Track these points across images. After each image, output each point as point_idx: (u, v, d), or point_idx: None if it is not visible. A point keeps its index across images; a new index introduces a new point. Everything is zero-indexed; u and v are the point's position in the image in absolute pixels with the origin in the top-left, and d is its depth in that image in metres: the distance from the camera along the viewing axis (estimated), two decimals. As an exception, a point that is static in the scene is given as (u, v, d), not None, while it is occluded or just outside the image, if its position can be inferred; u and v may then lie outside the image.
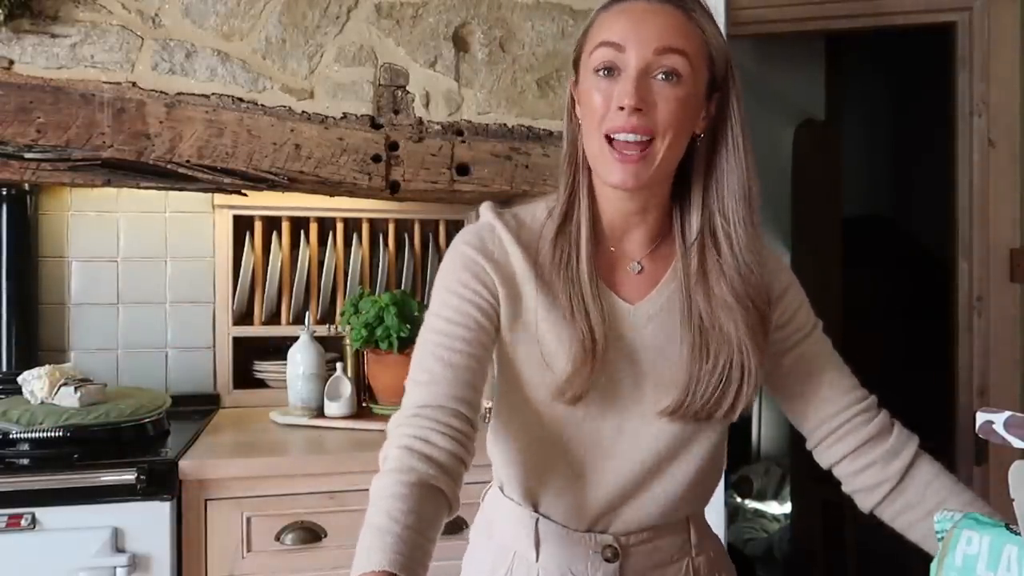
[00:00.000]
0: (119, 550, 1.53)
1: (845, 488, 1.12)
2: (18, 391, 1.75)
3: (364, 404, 1.98)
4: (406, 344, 1.86)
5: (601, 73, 0.99)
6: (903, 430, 1.13)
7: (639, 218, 1.07)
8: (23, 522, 1.50)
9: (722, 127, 1.04)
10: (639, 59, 0.97)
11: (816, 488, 3.53)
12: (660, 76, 0.97)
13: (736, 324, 1.01)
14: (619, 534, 1.07)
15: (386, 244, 2.22)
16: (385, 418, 1.87)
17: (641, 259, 1.08)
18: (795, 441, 3.87)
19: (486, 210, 1.11)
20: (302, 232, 2.17)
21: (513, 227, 1.08)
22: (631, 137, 0.97)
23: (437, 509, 0.94)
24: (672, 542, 1.10)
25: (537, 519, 1.08)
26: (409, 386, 1.02)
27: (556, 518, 1.08)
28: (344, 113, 1.96)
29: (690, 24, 0.99)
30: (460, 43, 2.05)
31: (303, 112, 1.94)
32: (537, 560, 1.08)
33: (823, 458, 1.13)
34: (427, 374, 1.01)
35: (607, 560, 1.07)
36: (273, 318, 2.17)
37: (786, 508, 3.95)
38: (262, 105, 1.92)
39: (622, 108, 0.96)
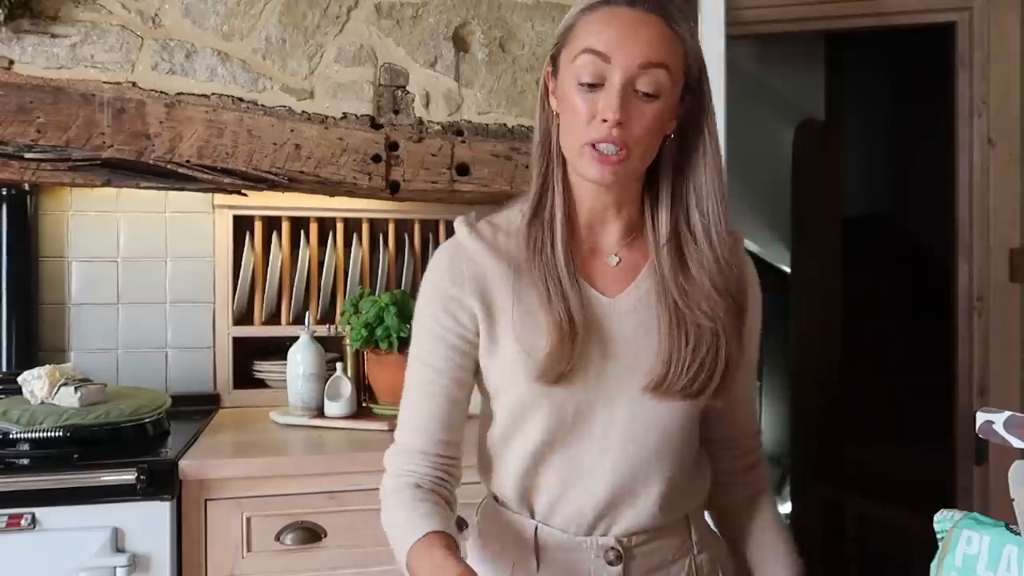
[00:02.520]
0: (119, 550, 1.53)
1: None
2: (18, 391, 1.75)
3: (364, 404, 1.98)
4: (406, 344, 1.85)
5: (585, 85, 1.00)
6: (763, 477, 1.21)
7: (614, 212, 1.09)
8: (23, 522, 1.50)
9: (694, 127, 1.06)
10: (624, 72, 0.98)
11: (816, 487, 3.54)
12: (641, 93, 0.99)
13: (715, 313, 1.04)
14: (621, 536, 1.07)
15: (386, 244, 2.22)
16: (385, 418, 1.88)
17: (618, 251, 1.10)
18: (795, 441, 3.87)
19: (459, 225, 1.12)
20: (302, 232, 2.17)
21: (487, 235, 1.10)
22: (611, 148, 0.99)
23: (442, 505, 1.07)
24: (673, 542, 1.10)
25: (536, 526, 1.08)
26: (400, 423, 1.13)
27: (555, 524, 1.07)
28: (344, 113, 1.96)
29: (674, 36, 1.01)
30: (460, 43, 2.05)
31: (303, 112, 1.94)
32: (538, 569, 1.07)
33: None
34: (414, 416, 1.10)
35: (610, 563, 1.06)
36: (273, 318, 2.16)
37: (786, 508, 3.95)
38: (262, 105, 1.92)
39: (605, 120, 0.98)
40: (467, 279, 1.07)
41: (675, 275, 1.06)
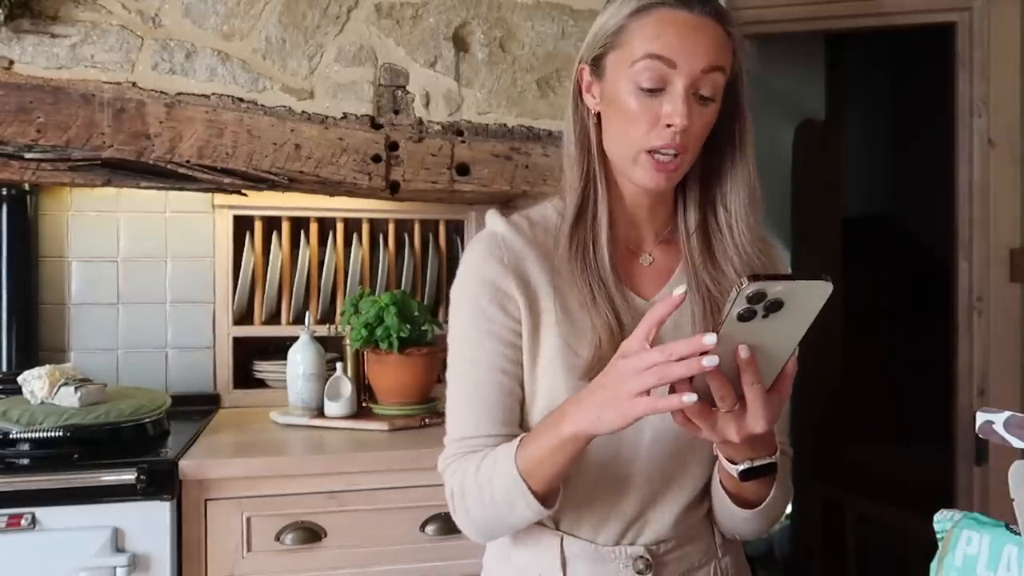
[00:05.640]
0: (119, 550, 1.53)
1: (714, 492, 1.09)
2: (18, 391, 1.75)
3: (364, 404, 1.98)
4: (406, 344, 1.86)
5: (645, 90, 0.99)
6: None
7: (652, 210, 1.09)
8: (23, 522, 1.50)
9: (727, 123, 1.05)
10: (688, 78, 0.98)
11: (816, 488, 3.53)
12: (700, 97, 0.99)
13: None
14: (649, 544, 1.06)
15: (386, 244, 2.22)
16: (385, 418, 1.88)
17: (651, 251, 1.10)
18: (795, 441, 3.86)
19: (492, 217, 1.10)
20: (302, 232, 2.17)
21: (525, 228, 1.08)
22: (672, 152, 0.99)
23: None
24: (699, 546, 1.09)
25: (562, 537, 1.06)
26: (454, 426, 1.07)
27: (582, 534, 1.06)
28: (344, 113, 1.96)
29: (727, 38, 1.01)
30: (460, 43, 2.05)
31: (303, 112, 1.94)
32: None
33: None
34: (471, 414, 1.05)
35: (639, 573, 1.05)
36: (273, 318, 2.16)
37: (786, 508, 3.95)
38: (262, 105, 1.92)
39: (669, 126, 0.98)
40: (510, 271, 1.05)
41: (704, 264, 1.06)
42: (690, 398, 0.83)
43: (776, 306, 0.80)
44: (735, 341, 0.82)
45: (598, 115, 1.06)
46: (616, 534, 1.06)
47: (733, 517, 1.06)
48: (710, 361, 0.81)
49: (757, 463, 0.94)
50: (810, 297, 0.80)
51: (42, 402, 1.71)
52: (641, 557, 1.05)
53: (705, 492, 1.09)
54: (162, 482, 1.55)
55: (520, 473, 0.97)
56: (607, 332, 1.00)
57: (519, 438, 1.00)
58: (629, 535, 1.06)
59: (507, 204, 2.06)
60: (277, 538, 1.64)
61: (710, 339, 0.80)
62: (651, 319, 0.87)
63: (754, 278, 0.78)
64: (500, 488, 0.99)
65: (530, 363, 1.05)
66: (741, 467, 0.94)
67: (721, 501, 1.06)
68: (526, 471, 0.97)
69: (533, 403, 1.06)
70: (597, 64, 1.05)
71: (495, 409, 1.05)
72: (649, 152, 1.00)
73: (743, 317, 0.80)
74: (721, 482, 1.04)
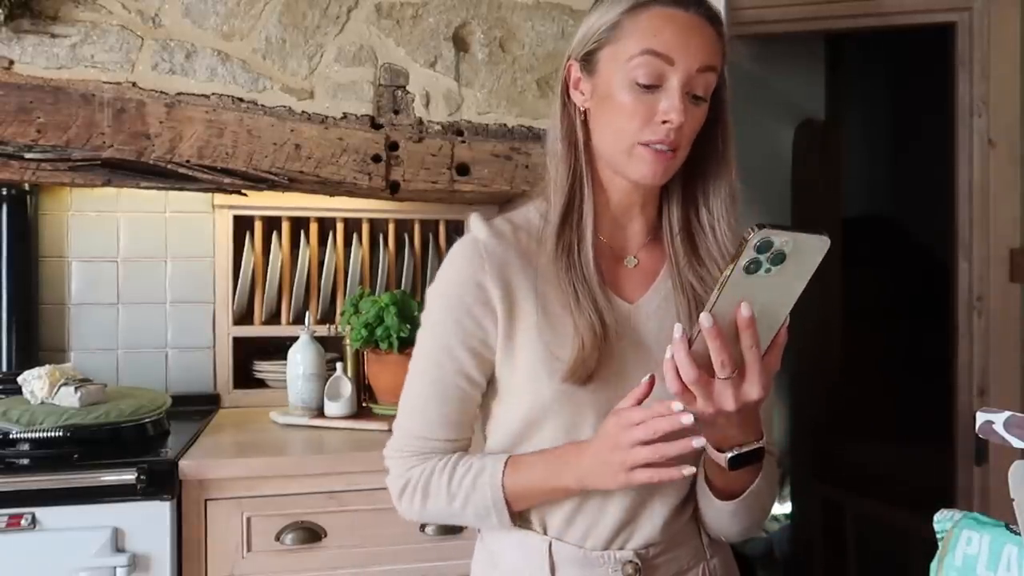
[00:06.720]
0: (119, 550, 1.53)
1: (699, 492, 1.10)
2: (18, 391, 1.75)
3: (364, 404, 1.98)
4: (406, 344, 1.86)
5: (641, 86, 0.99)
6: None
7: (639, 210, 1.10)
8: (23, 522, 1.50)
9: (711, 125, 1.06)
10: (684, 75, 0.98)
11: (816, 488, 3.53)
12: (693, 96, 1.00)
13: None
14: (639, 548, 1.05)
15: (386, 244, 2.22)
16: (385, 418, 1.88)
17: (637, 252, 1.10)
18: (795, 441, 3.87)
19: (475, 222, 1.11)
20: (302, 232, 2.17)
21: (507, 233, 1.08)
22: (665, 147, 1.00)
23: None
24: (688, 549, 1.09)
25: (550, 542, 1.06)
26: (408, 420, 1.10)
27: (570, 539, 1.06)
28: (344, 113, 1.96)
29: (720, 40, 1.01)
30: (460, 43, 2.05)
31: (303, 112, 1.94)
32: None
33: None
34: (422, 408, 1.08)
35: None
36: (273, 318, 2.16)
37: (786, 508, 3.95)
38: (262, 105, 1.92)
39: (665, 122, 0.98)
40: (490, 277, 1.05)
41: (689, 263, 1.07)
42: (689, 471, 0.91)
43: (779, 258, 0.81)
44: (737, 299, 0.83)
45: (585, 112, 1.06)
46: (605, 539, 1.05)
47: (720, 513, 1.06)
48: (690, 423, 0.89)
49: (746, 449, 0.95)
50: (810, 252, 0.82)
51: (42, 402, 1.71)
52: (630, 562, 1.05)
53: (692, 494, 1.09)
54: (162, 482, 1.56)
55: (507, 502, 1.03)
56: (590, 333, 1.01)
57: (503, 463, 1.03)
58: (618, 540, 1.05)
59: (507, 204, 2.06)
60: (277, 538, 1.64)
61: (678, 407, 0.89)
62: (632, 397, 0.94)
63: (761, 226, 0.79)
64: (475, 508, 1.04)
65: (507, 368, 1.06)
66: (730, 454, 0.95)
67: (707, 500, 1.06)
68: (511, 499, 1.03)
69: (517, 407, 1.06)
70: (588, 60, 1.04)
71: (453, 413, 1.08)
72: (644, 144, 1.00)
73: (749, 269, 0.82)
74: (708, 478, 1.04)
